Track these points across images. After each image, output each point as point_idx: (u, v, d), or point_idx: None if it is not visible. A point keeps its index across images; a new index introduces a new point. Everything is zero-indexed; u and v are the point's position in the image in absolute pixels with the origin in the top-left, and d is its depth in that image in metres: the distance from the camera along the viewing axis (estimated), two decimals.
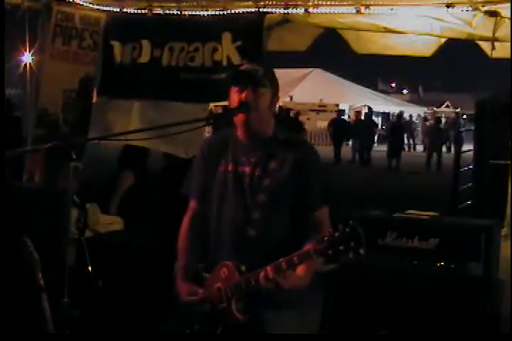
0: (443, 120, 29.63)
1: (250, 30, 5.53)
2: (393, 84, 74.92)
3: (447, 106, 47.91)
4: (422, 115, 35.55)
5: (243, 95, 3.03)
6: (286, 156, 3.08)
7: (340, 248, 2.70)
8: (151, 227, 5.52)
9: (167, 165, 6.41)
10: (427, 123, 30.79)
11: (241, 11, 5.48)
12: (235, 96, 3.08)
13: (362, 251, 2.69)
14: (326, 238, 2.75)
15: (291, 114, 22.85)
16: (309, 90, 32.62)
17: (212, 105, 6.70)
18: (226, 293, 3.02)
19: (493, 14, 4.65)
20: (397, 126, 23.95)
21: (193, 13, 5.70)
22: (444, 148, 22.64)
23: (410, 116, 33.68)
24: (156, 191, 6.12)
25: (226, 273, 3.04)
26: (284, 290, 2.90)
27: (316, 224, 3.05)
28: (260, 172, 3.08)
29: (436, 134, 22.87)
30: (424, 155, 23.44)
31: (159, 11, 5.84)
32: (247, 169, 3.10)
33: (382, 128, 32.66)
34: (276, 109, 3.28)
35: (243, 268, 3.00)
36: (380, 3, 4.92)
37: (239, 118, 3.08)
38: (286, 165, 3.07)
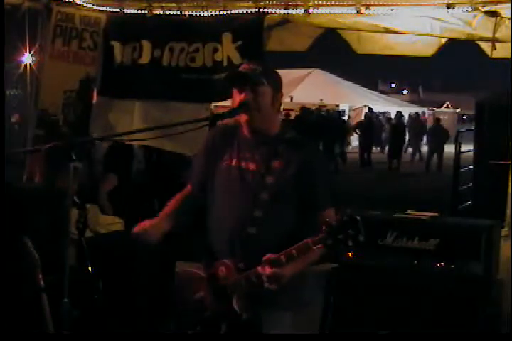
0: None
1: (250, 31, 5.52)
2: (393, 85, 75.00)
3: (447, 107, 47.88)
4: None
5: (242, 96, 3.04)
6: (291, 156, 3.07)
7: (339, 237, 2.68)
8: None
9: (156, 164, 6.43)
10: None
11: (241, 11, 5.48)
12: (236, 97, 3.09)
13: (361, 238, 2.68)
14: (324, 228, 2.72)
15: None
16: (309, 90, 32.53)
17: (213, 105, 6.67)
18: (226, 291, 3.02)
19: (493, 14, 4.64)
20: (398, 127, 23.93)
21: (193, 13, 5.69)
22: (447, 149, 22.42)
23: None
24: (140, 192, 6.10)
25: (224, 272, 3.04)
26: (284, 282, 2.89)
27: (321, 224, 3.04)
28: (264, 170, 3.07)
29: (437, 134, 22.80)
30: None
31: (159, 11, 5.84)
32: (251, 166, 3.10)
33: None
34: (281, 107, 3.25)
35: (241, 265, 3.00)
36: (380, 4, 4.91)
37: (241, 118, 3.09)
38: (292, 166, 3.05)
